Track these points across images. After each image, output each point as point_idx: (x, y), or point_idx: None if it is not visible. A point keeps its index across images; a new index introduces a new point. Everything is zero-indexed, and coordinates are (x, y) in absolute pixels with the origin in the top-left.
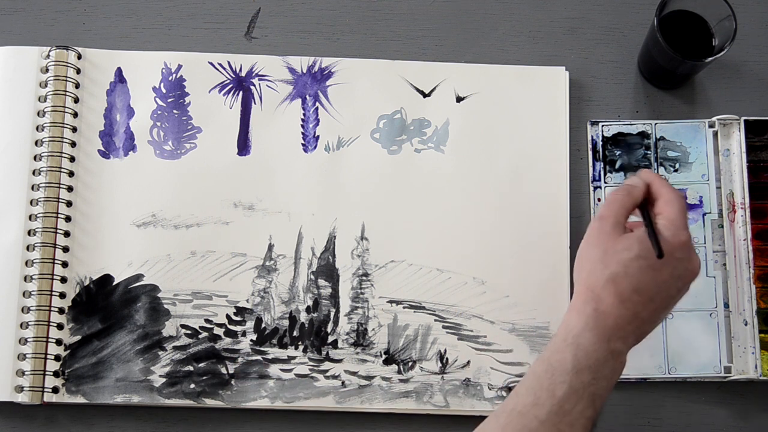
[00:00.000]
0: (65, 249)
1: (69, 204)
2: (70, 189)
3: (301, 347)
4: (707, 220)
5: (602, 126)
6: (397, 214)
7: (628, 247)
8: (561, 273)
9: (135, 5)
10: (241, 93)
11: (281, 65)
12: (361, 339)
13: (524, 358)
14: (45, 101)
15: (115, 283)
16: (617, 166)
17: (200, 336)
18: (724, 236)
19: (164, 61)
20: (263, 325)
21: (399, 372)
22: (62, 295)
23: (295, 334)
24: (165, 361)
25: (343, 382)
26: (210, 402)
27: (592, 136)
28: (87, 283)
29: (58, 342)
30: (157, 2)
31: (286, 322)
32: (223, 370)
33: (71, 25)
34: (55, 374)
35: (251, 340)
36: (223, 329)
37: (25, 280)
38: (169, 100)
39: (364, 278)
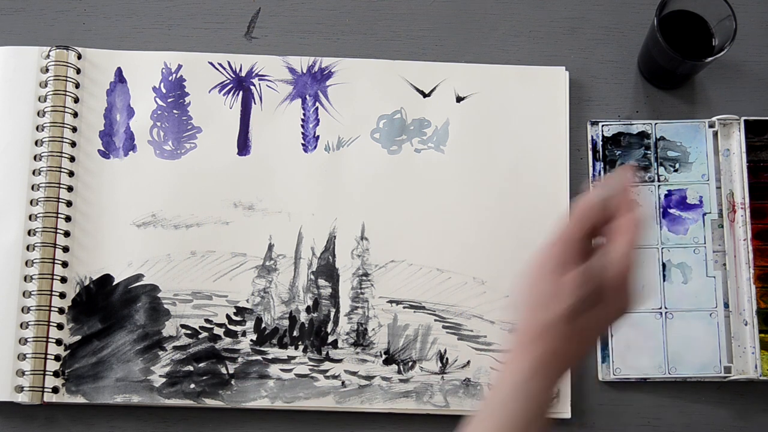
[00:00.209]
0: (65, 249)
1: (69, 204)
2: (70, 189)
3: (301, 347)
4: (707, 220)
5: (602, 126)
6: (397, 214)
7: (570, 291)
8: None
9: (135, 5)
10: (241, 93)
11: (281, 65)
12: (361, 339)
13: None
14: (45, 101)
15: (115, 283)
16: (617, 166)
17: (200, 336)
18: (724, 236)
19: (164, 61)
20: (263, 325)
21: (399, 372)
22: (62, 295)
23: (295, 334)
24: (165, 361)
25: (343, 382)
26: (210, 402)
27: (592, 136)
28: (87, 283)
29: (58, 342)
30: (157, 2)
31: (286, 322)
32: (223, 370)
33: (71, 25)
34: (55, 374)
35: (251, 340)
36: (223, 329)
37: (25, 280)
38: (169, 100)
39: (364, 278)
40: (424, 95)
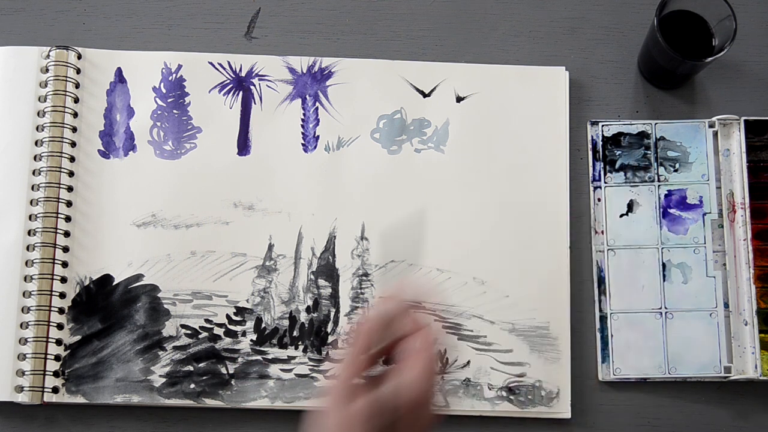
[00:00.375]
0: (65, 249)
1: (69, 204)
2: (70, 189)
3: (301, 347)
4: (707, 220)
5: (602, 126)
6: (397, 214)
7: (359, 424)
8: (561, 273)
9: (135, 5)
10: (241, 93)
11: (281, 65)
12: None
13: (524, 358)
14: (45, 101)
15: (115, 283)
16: (617, 166)
17: (200, 336)
18: (724, 236)
19: (164, 61)
20: (263, 325)
21: None
22: (62, 295)
23: (295, 334)
24: (165, 361)
25: None
26: (210, 402)
27: (592, 136)
28: (87, 283)
29: (58, 342)
30: (157, 2)
31: (286, 322)
32: (223, 370)
33: (71, 25)
34: (55, 374)
35: (251, 340)
36: (223, 329)
37: (25, 280)
38: (169, 100)
39: (364, 278)
40: (424, 95)
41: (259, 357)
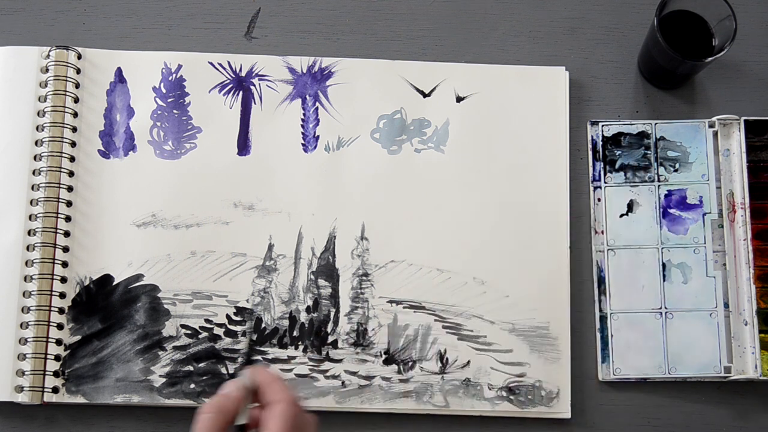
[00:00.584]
0: (65, 249)
1: (69, 204)
2: (70, 189)
3: (301, 347)
4: (707, 220)
5: (602, 126)
6: (397, 214)
7: None
8: (561, 273)
9: (135, 5)
10: (241, 93)
11: (281, 65)
12: (361, 339)
13: (524, 358)
14: (45, 101)
15: (115, 283)
16: (617, 166)
17: (200, 336)
18: (724, 236)
19: (164, 61)
20: (263, 325)
21: (399, 372)
22: (62, 295)
23: (295, 334)
24: (165, 361)
25: (343, 382)
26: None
27: (592, 136)
28: (87, 283)
29: (58, 342)
30: (157, 2)
31: (286, 322)
32: (223, 370)
33: (71, 25)
34: (55, 374)
35: (251, 340)
36: (223, 329)
37: (25, 280)
38: (169, 100)
39: (364, 278)
40: (424, 95)
41: (259, 357)
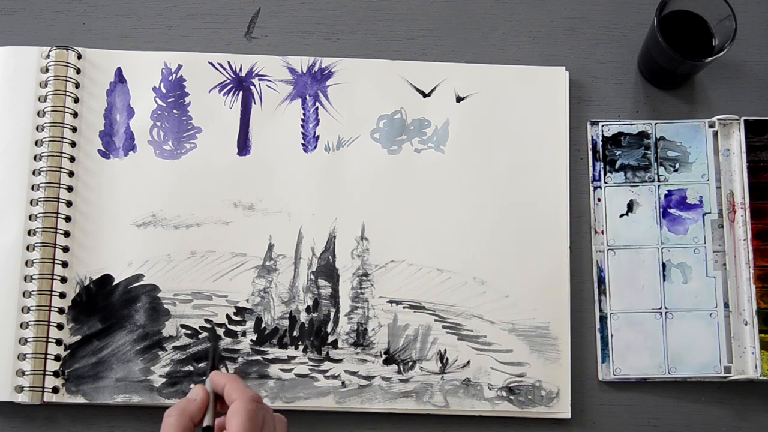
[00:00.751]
0: (65, 249)
1: (69, 204)
2: (70, 189)
3: (301, 347)
4: (707, 220)
5: (602, 126)
6: (397, 214)
7: None
8: (561, 273)
9: (135, 5)
10: (241, 93)
11: (281, 65)
12: (361, 339)
13: (524, 358)
14: (45, 101)
15: (115, 283)
16: (617, 166)
17: (200, 336)
18: (724, 236)
19: (164, 61)
20: (263, 325)
21: (399, 372)
22: (62, 295)
23: (295, 334)
24: (165, 361)
25: (343, 382)
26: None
27: (592, 136)
28: (87, 283)
29: (58, 342)
30: (157, 2)
31: (286, 322)
32: (223, 370)
33: (71, 25)
34: (55, 374)
35: (251, 340)
36: (223, 329)
37: (25, 280)
38: (169, 100)
39: (364, 278)
40: (424, 95)
41: (259, 357)
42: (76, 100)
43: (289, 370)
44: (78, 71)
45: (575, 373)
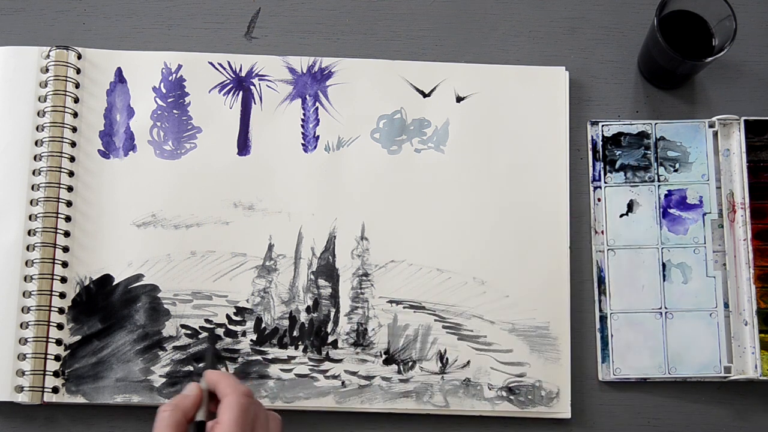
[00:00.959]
0: (65, 249)
1: (69, 204)
2: (70, 189)
3: (301, 347)
4: (707, 220)
5: (602, 126)
6: (397, 214)
7: None
8: (561, 273)
9: (135, 5)
10: (241, 93)
11: (281, 65)
12: (361, 339)
13: (524, 358)
14: (45, 101)
15: (115, 283)
16: (617, 166)
17: (200, 336)
18: (724, 236)
19: (164, 61)
20: (263, 325)
21: (399, 372)
22: (62, 295)
23: (295, 334)
24: (165, 361)
25: (343, 382)
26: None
27: (592, 136)
28: (87, 283)
29: (58, 342)
30: (157, 2)
31: (286, 322)
32: (223, 370)
33: (71, 25)
34: (55, 374)
35: (251, 340)
36: (223, 329)
37: (25, 280)
38: (169, 100)
39: (364, 278)
40: (424, 95)
41: (259, 357)
42: (76, 100)
43: (289, 370)
44: (78, 71)
45: (575, 373)
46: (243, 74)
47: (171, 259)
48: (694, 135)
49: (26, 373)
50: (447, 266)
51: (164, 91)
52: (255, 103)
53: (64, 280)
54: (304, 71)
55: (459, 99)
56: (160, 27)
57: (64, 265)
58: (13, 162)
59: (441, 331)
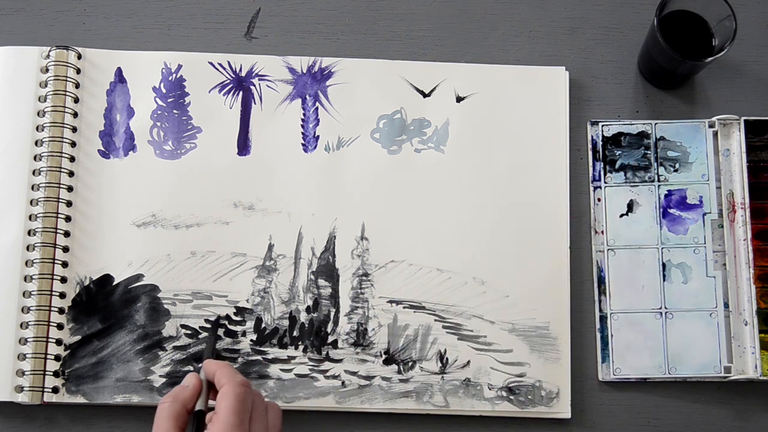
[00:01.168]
0: (65, 249)
1: (69, 204)
2: (70, 189)
3: (301, 347)
4: (707, 220)
5: (602, 126)
6: (397, 214)
7: None
8: (561, 273)
9: (135, 5)
10: (241, 93)
11: (281, 65)
12: (361, 339)
13: (524, 358)
14: (45, 101)
15: (115, 283)
16: (617, 166)
17: (200, 336)
18: (724, 236)
19: (164, 61)
20: (263, 325)
21: (399, 372)
22: (62, 295)
23: (295, 334)
24: (165, 361)
25: (343, 382)
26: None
27: (592, 136)
28: (87, 283)
29: (58, 342)
30: (157, 2)
31: (286, 322)
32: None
33: (71, 25)
34: (55, 374)
35: (251, 340)
36: (223, 329)
37: (25, 280)
38: (169, 100)
39: (364, 278)
40: (424, 95)
41: (259, 357)
42: (76, 100)
43: (289, 370)
44: (78, 71)
45: (575, 373)
46: (243, 74)
47: (171, 259)
48: (694, 135)
49: (26, 373)
50: (447, 266)
51: (164, 91)
52: (255, 103)
53: (64, 280)
54: (304, 71)
55: (459, 99)
56: (160, 27)
57: (64, 265)
58: (13, 162)
59: (441, 331)
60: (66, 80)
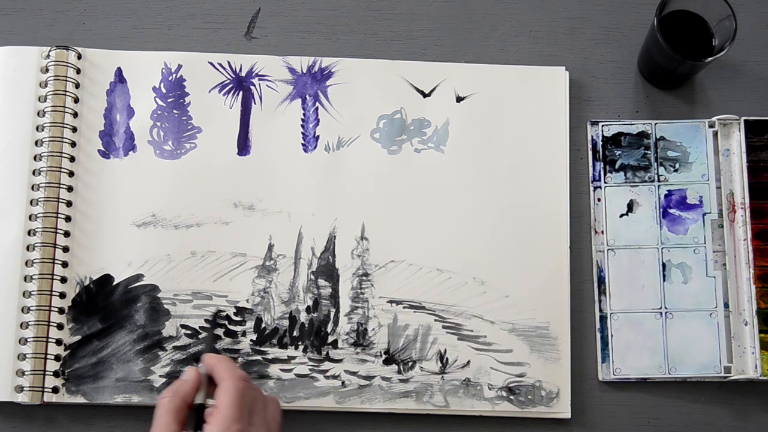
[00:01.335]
0: (65, 249)
1: (69, 204)
2: (70, 189)
3: (301, 347)
4: (707, 220)
5: (602, 126)
6: (397, 214)
7: None
8: (561, 273)
9: (135, 5)
10: (241, 93)
11: (281, 65)
12: (361, 339)
13: (524, 358)
14: (45, 101)
15: (115, 283)
16: (617, 166)
17: (200, 336)
18: (724, 236)
19: (164, 61)
20: (263, 325)
21: (399, 372)
22: (62, 295)
23: (295, 334)
24: (165, 361)
25: (343, 382)
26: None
27: (592, 136)
28: (87, 283)
29: (58, 342)
30: (157, 2)
31: (286, 322)
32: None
33: (71, 25)
34: (55, 374)
35: (251, 340)
36: (223, 329)
37: (25, 280)
38: (169, 100)
39: (364, 278)
40: (424, 95)
41: (259, 357)
42: (76, 100)
43: (289, 370)
44: (78, 71)
45: (575, 373)
46: (243, 74)
47: (171, 259)
48: (694, 135)
49: (26, 373)
50: (447, 266)
51: (164, 91)
52: (255, 103)
53: (64, 280)
54: (304, 71)
55: (459, 99)
56: (160, 27)
57: (64, 265)
58: (13, 162)
59: (441, 331)
60: (66, 80)
